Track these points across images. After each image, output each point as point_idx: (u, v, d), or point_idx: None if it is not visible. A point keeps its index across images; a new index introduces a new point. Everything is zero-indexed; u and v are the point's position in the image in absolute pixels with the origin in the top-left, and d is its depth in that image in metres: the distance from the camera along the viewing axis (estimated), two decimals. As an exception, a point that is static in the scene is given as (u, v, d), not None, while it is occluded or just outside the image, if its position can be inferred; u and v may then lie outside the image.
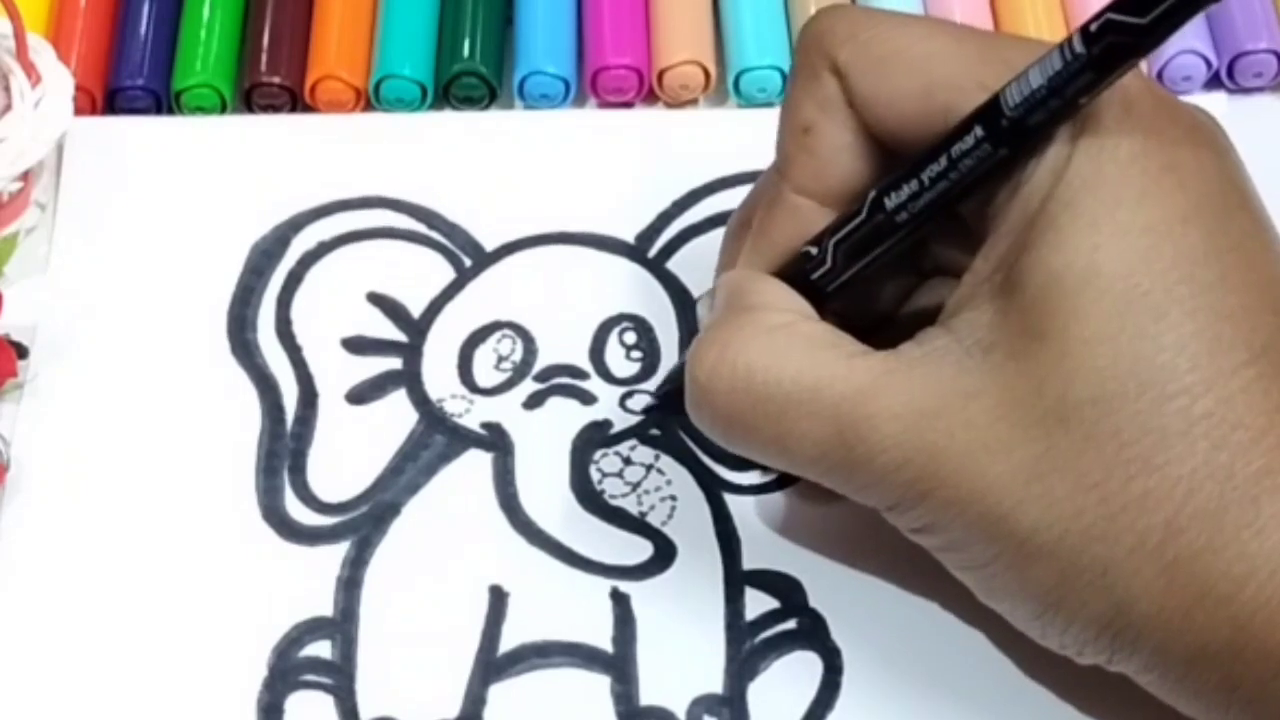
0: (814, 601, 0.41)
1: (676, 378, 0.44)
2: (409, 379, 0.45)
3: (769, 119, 0.41)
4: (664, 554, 0.42)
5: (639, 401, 0.45)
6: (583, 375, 0.45)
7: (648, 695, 0.41)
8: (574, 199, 0.47)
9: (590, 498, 0.43)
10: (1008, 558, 0.35)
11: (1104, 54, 0.33)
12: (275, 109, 0.50)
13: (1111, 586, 0.34)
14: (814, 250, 0.39)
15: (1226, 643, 0.34)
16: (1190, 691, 0.35)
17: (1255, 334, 0.35)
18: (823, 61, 0.38)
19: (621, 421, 0.44)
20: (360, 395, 0.45)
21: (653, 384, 0.45)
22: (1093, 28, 0.33)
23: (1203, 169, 0.36)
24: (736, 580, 0.42)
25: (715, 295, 0.40)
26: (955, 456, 0.35)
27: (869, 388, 0.36)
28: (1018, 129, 0.35)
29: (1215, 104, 0.50)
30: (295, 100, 0.51)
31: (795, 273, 0.39)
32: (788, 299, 0.39)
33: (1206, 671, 0.35)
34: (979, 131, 0.35)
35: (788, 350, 0.37)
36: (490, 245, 0.47)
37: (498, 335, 0.46)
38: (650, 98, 0.51)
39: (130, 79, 0.50)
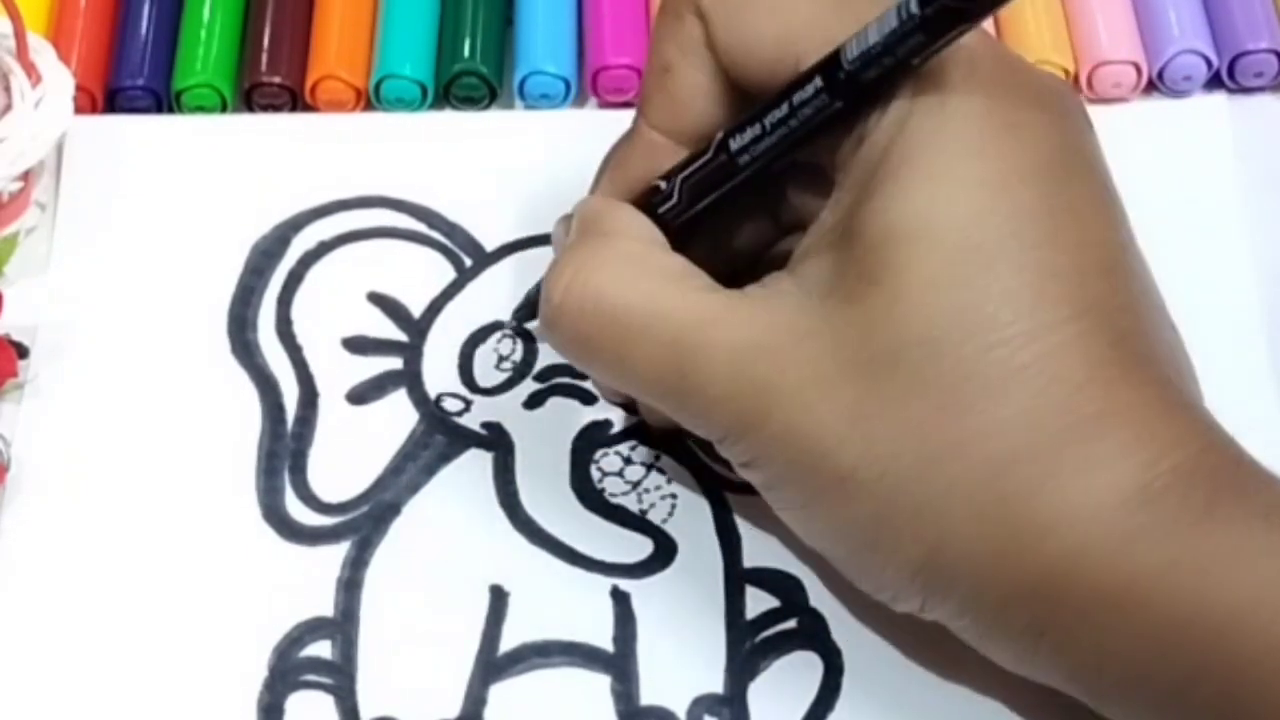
0: (815, 600, 0.41)
1: (533, 299, 0.45)
2: (409, 379, 0.45)
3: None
4: (664, 552, 0.42)
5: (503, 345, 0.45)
6: (583, 375, 0.45)
7: (648, 694, 0.41)
8: (574, 198, 0.47)
9: (591, 496, 0.43)
10: (828, 496, 0.36)
11: (936, 17, 0.34)
12: (275, 109, 0.50)
13: (925, 528, 0.35)
14: (663, 185, 0.40)
15: (1033, 589, 0.35)
16: (1000, 637, 0.36)
17: (1081, 292, 0.35)
18: (687, 4, 0.39)
19: (622, 421, 0.44)
20: (361, 395, 0.45)
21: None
22: None
23: (1044, 130, 0.37)
24: (737, 578, 0.42)
25: (573, 220, 0.41)
26: (784, 392, 0.36)
27: (709, 319, 0.37)
28: (853, 83, 0.36)
29: (1215, 104, 0.50)
30: (295, 100, 0.51)
31: (645, 205, 0.40)
32: (643, 228, 0.40)
33: (1015, 617, 0.35)
34: (818, 82, 0.36)
35: (637, 277, 0.38)
36: (490, 245, 0.47)
37: (498, 335, 0.46)
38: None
39: (130, 79, 0.50)
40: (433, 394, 0.45)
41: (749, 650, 0.41)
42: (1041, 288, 0.35)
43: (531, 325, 0.45)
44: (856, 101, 0.36)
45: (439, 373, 0.45)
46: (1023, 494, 0.35)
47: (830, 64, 0.36)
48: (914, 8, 0.34)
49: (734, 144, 0.38)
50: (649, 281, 0.38)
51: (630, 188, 0.41)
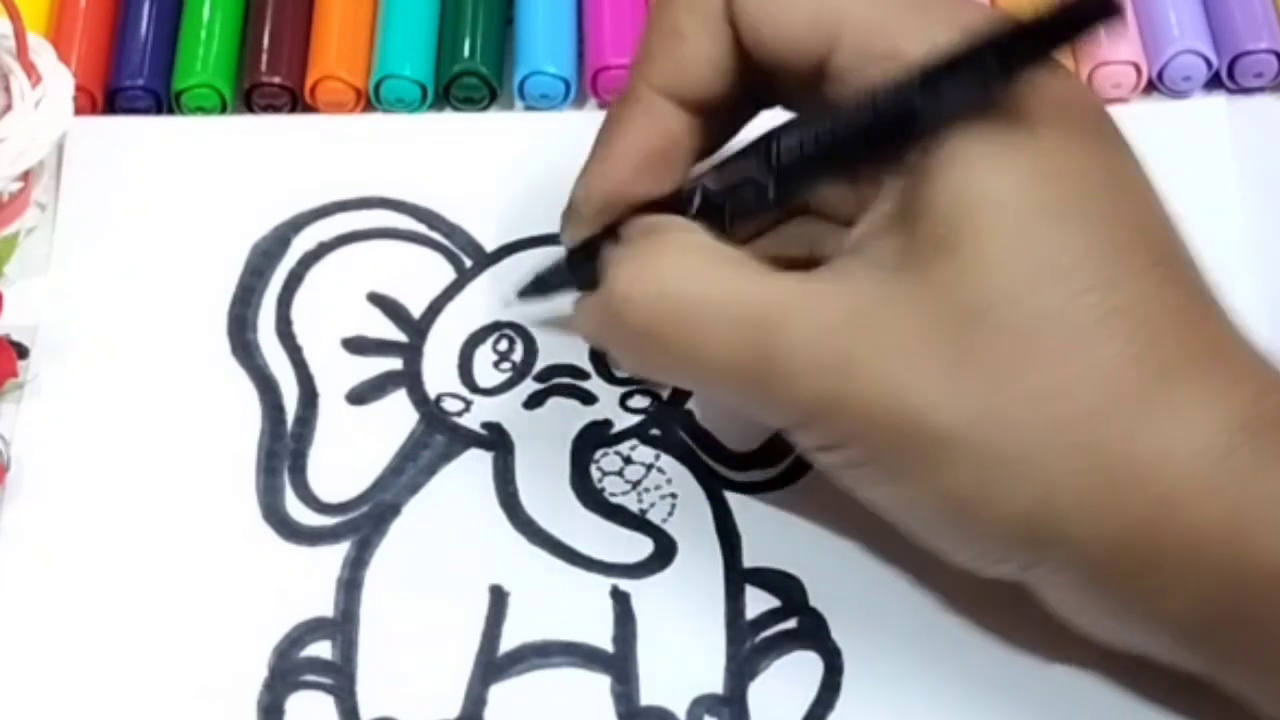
0: (814, 600, 0.41)
1: (542, 278, 0.45)
2: (409, 379, 0.45)
3: (765, 119, 0.41)
4: (664, 551, 0.42)
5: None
6: (583, 375, 0.45)
7: (648, 695, 0.41)
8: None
9: (590, 496, 0.43)
10: (926, 462, 0.36)
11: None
12: (275, 109, 0.50)
13: (1033, 476, 0.35)
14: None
15: (1147, 522, 0.34)
16: (1106, 587, 0.36)
17: (1154, 245, 0.36)
18: None
19: (622, 421, 0.44)
20: (360, 395, 0.45)
21: (654, 386, 0.45)
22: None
23: (1090, 111, 0.37)
24: (737, 578, 0.42)
25: (621, 234, 0.40)
26: (870, 361, 0.36)
27: (785, 298, 0.37)
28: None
29: (1215, 104, 0.50)
30: (295, 100, 0.51)
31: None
32: (694, 226, 0.39)
33: (1126, 557, 0.35)
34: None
35: (702, 265, 0.38)
36: (490, 246, 0.47)
37: (498, 335, 0.46)
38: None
39: (130, 79, 0.50)
40: (433, 394, 0.45)
41: (749, 650, 0.41)
42: (1118, 240, 0.35)
43: (525, 315, 0.45)
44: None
45: (439, 373, 0.45)
46: (1129, 434, 0.34)
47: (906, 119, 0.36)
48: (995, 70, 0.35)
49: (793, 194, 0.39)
50: (716, 268, 0.38)
51: (632, 148, 0.40)
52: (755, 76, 0.39)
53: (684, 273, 0.38)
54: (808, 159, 0.38)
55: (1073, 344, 0.35)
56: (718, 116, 0.41)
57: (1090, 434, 0.35)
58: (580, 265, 0.43)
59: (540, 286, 0.45)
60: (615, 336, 0.39)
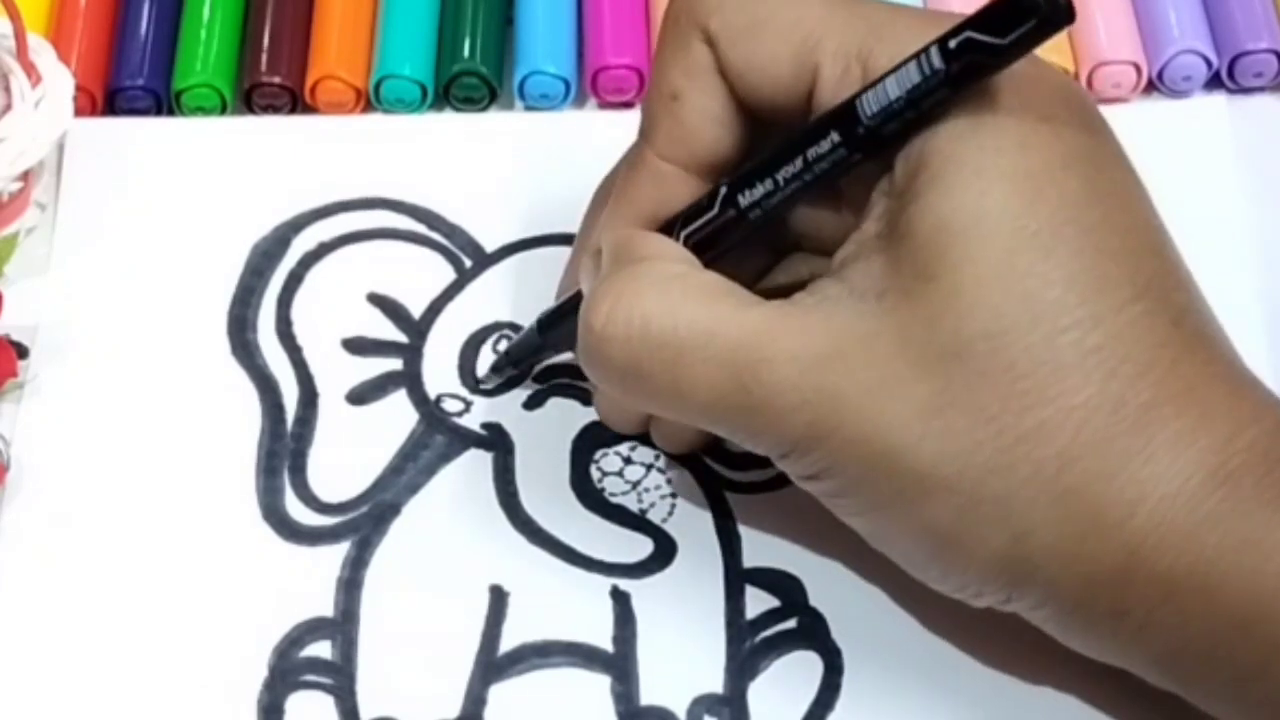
0: (815, 600, 0.41)
1: (516, 355, 0.45)
2: (409, 379, 0.45)
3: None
4: (664, 551, 0.42)
5: (490, 379, 0.45)
6: (583, 375, 0.45)
7: (648, 695, 0.41)
8: (574, 199, 0.47)
9: (590, 496, 0.43)
10: (907, 496, 0.36)
11: (963, 71, 0.34)
12: (275, 109, 0.50)
13: (1009, 518, 0.35)
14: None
15: (1118, 569, 0.35)
16: (1082, 623, 0.36)
17: (1138, 273, 0.36)
18: (693, 29, 0.39)
19: (622, 422, 0.44)
20: (361, 395, 0.45)
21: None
22: (952, 44, 0.34)
23: (1076, 121, 0.37)
24: (737, 578, 0.42)
25: (601, 253, 0.40)
26: (854, 396, 0.36)
27: (765, 332, 0.36)
28: (874, 137, 0.36)
29: (1215, 104, 0.50)
30: (295, 100, 0.51)
31: None
32: (676, 251, 0.39)
33: (1098, 600, 0.35)
34: (835, 138, 0.36)
35: (681, 298, 0.37)
36: (490, 246, 0.47)
37: (498, 336, 0.46)
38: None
39: (130, 79, 0.50)
40: (433, 395, 0.45)
41: (749, 650, 0.41)
42: (1102, 270, 0.35)
43: (525, 316, 0.45)
44: (877, 151, 0.36)
45: (439, 373, 0.45)
46: (1104, 476, 0.34)
47: (846, 118, 0.36)
48: (938, 63, 0.34)
49: (743, 200, 0.38)
50: (696, 301, 0.37)
51: (636, 219, 0.40)
52: (756, 127, 0.39)
53: (663, 310, 0.37)
54: (754, 168, 0.38)
55: (1050, 385, 0.34)
56: (724, 176, 0.40)
57: (1064, 479, 0.35)
58: (553, 328, 0.43)
59: (511, 359, 0.45)
60: (596, 371, 0.39)
